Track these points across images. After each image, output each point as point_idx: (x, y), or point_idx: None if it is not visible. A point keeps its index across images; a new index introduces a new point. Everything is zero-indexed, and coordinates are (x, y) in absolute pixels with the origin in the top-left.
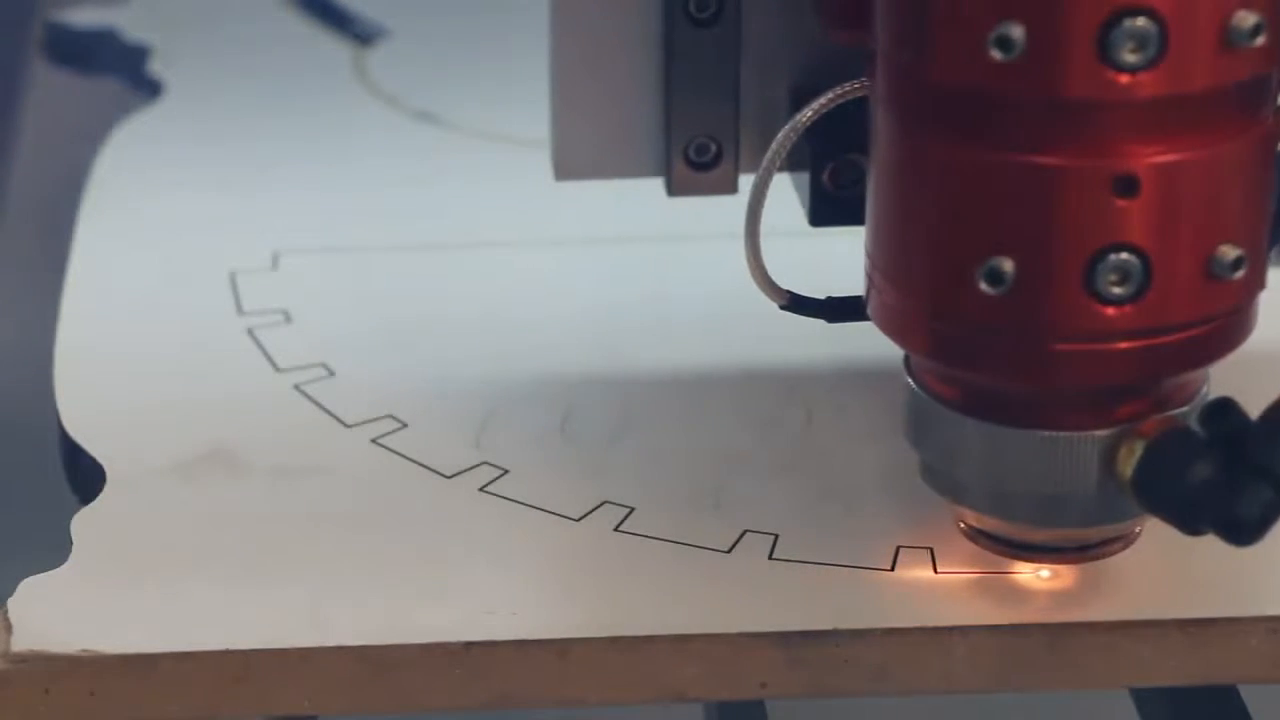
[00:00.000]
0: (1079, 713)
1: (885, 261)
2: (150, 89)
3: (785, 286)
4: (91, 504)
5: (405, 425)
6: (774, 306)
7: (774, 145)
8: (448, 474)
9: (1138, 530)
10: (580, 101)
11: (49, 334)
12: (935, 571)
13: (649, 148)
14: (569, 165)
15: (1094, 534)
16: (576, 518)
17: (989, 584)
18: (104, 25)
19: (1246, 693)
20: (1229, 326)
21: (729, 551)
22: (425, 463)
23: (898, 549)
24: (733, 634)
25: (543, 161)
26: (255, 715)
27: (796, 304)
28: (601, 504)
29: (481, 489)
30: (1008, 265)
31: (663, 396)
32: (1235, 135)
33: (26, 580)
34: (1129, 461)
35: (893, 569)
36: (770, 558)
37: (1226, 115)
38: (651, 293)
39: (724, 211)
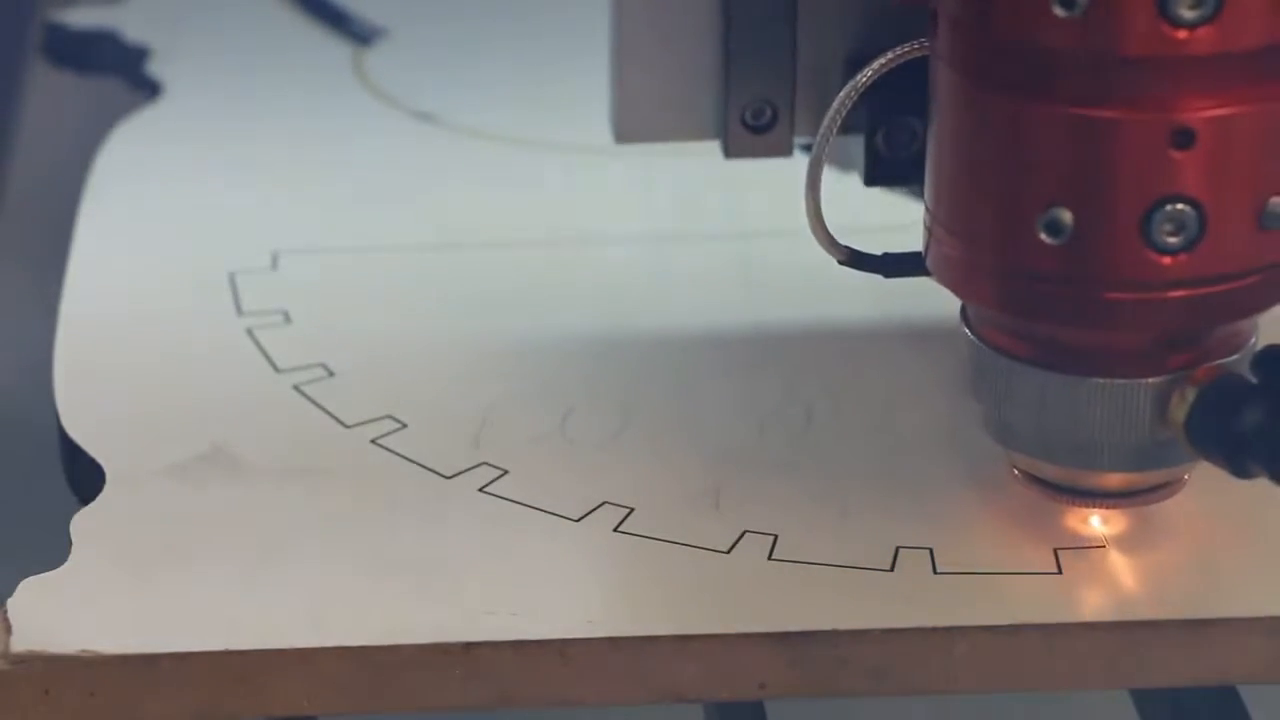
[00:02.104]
0: (1079, 713)
1: (946, 215)
2: (150, 89)
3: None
4: (91, 504)
5: (405, 425)
6: (772, 308)
7: (834, 106)
8: (447, 474)
9: (1186, 476)
10: (641, 66)
11: (49, 334)
12: (935, 571)
13: (707, 111)
14: (629, 129)
15: (1145, 479)
16: (576, 518)
17: (989, 584)
18: (104, 25)
19: (1246, 693)
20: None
21: (729, 551)
22: (425, 463)
23: (897, 549)
24: (732, 634)
25: (542, 161)
26: (255, 715)
27: (855, 260)
28: (601, 504)
29: (481, 489)
30: (1067, 216)
31: (662, 396)
32: None
33: (26, 580)
34: (1181, 408)
35: (892, 569)
36: (770, 558)
37: None
38: (651, 293)
39: (724, 212)
